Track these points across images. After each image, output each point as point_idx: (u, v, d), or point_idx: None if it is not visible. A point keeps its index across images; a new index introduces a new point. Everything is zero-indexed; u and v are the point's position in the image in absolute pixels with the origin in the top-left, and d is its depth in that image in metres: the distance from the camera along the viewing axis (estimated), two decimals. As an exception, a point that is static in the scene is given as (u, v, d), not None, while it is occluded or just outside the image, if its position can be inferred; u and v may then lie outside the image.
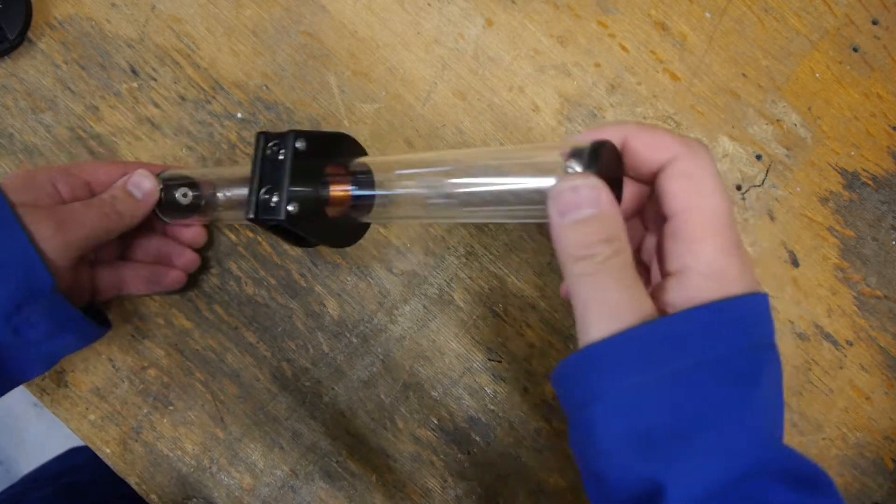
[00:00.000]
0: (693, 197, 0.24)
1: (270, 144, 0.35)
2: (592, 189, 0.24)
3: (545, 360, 0.47)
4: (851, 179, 0.49)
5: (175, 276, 0.44)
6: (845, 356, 0.48)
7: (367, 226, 0.42)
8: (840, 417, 0.48)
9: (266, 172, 0.35)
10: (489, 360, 0.47)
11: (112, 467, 0.46)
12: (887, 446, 0.48)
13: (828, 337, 0.48)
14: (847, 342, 0.48)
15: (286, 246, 0.47)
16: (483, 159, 0.30)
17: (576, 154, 0.25)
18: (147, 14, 0.47)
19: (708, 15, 0.49)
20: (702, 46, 0.49)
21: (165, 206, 0.41)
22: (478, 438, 0.47)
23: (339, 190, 0.36)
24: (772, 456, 0.24)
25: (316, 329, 0.47)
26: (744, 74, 0.49)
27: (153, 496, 0.46)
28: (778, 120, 0.49)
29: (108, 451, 0.46)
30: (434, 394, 0.47)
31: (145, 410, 0.46)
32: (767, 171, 0.49)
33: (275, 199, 0.34)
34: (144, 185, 0.40)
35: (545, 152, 0.27)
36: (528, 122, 0.48)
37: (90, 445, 0.46)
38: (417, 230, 0.47)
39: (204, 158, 0.47)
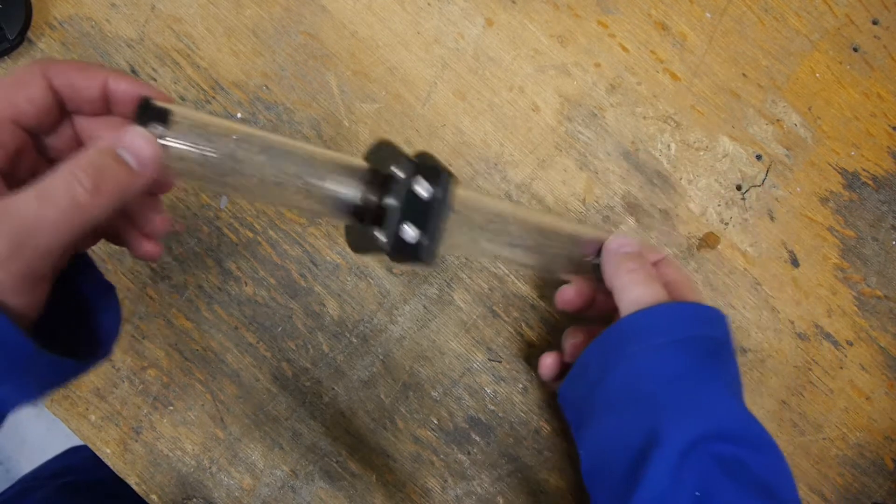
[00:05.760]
0: (681, 274, 0.41)
1: (422, 177, 0.34)
2: (636, 239, 0.40)
3: (545, 360, 0.47)
4: (851, 179, 0.49)
5: (148, 251, 0.33)
6: (845, 356, 0.48)
7: None
8: (840, 417, 0.48)
9: (412, 206, 0.33)
10: (489, 360, 0.47)
11: (112, 467, 0.46)
12: (887, 446, 0.48)
13: (828, 337, 0.48)
14: (847, 342, 0.48)
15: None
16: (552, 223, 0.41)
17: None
18: (147, 14, 0.47)
19: (708, 15, 0.49)
20: (702, 46, 0.49)
21: None
22: (478, 438, 0.47)
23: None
24: (739, 417, 0.35)
25: (316, 329, 0.47)
26: (744, 74, 0.49)
27: (153, 496, 0.46)
28: (778, 120, 0.49)
29: (108, 451, 0.46)
30: (434, 394, 0.47)
31: (145, 410, 0.46)
32: (767, 171, 0.49)
33: (412, 232, 0.33)
34: (144, 151, 0.28)
35: (584, 232, 0.41)
36: (528, 122, 0.48)
37: (90, 445, 0.46)
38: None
39: (204, 158, 0.47)
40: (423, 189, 0.34)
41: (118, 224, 0.32)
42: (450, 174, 0.35)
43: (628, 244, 0.40)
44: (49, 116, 0.30)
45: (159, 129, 0.30)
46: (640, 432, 0.34)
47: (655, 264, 0.41)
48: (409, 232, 0.33)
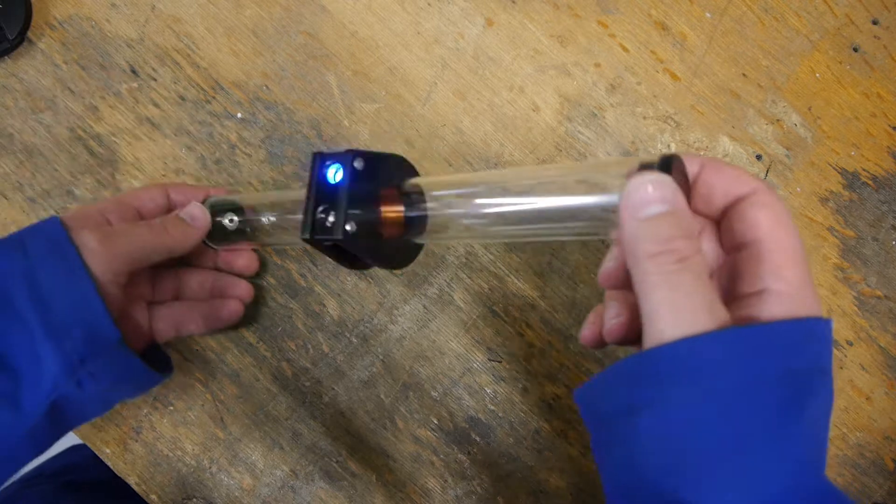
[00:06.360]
0: (777, 227, 0.25)
1: (327, 163, 0.35)
2: (666, 186, 0.24)
3: (545, 360, 0.47)
4: (851, 179, 0.49)
5: (232, 308, 0.43)
6: (845, 356, 0.48)
7: (420, 246, 0.42)
8: (840, 417, 0.48)
9: (322, 192, 0.35)
10: (489, 360, 0.47)
11: (112, 467, 0.46)
12: (887, 446, 0.48)
13: (828, 337, 0.48)
14: (847, 342, 0.48)
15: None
16: (538, 177, 0.32)
17: (646, 165, 0.25)
18: (147, 14, 0.47)
19: (708, 15, 0.49)
20: (702, 46, 0.49)
21: (213, 233, 0.42)
22: (478, 438, 0.47)
23: (391, 211, 0.36)
24: (804, 490, 0.24)
25: (316, 329, 0.47)
26: (744, 74, 0.49)
27: (153, 496, 0.46)
28: (778, 120, 0.49)
29: (108, 451, 0.46)
30: (434, 394, 0.47)
31: (145, 410, 0.46)
32: (767, 171, 0.49)
33: (331, 218, 0.34)
34: (195, 213, 0.40)
35: (607, 168, 0.28)
36: (528, 122, 0.48)
37: (90, 445, 0.46)
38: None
39: (203, 158, 0.47)
40: (336, 174, 0.35)
41: (214, 308, 0.43)
42: (353, 152, 0.35)
43: (655, 199, 0.24)
44: (161, 211, 0.42)
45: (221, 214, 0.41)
46: (667, 496, 0.24)
47: (730, 210, 0.26)
48: (330, 217, 0.34)
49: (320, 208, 0.34)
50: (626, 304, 0.30)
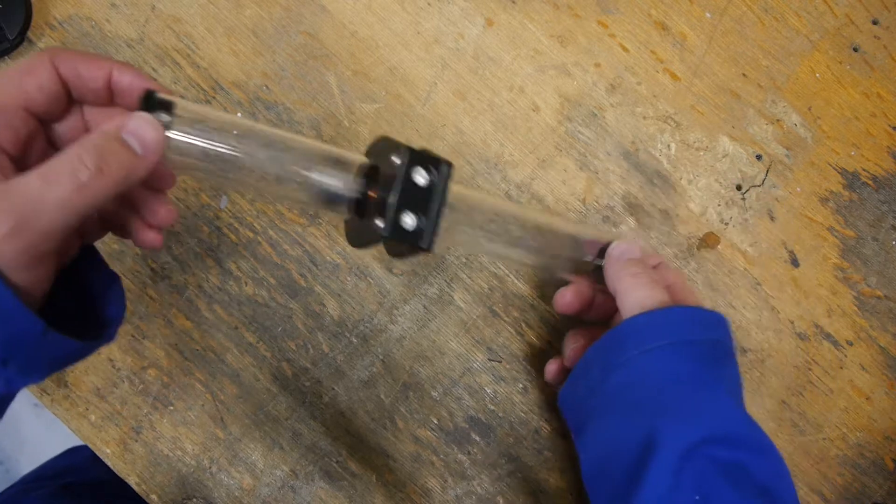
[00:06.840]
0: (677, 276, 0.42)
1: (422, 167, 0.34)
2: (639, 245, 0.41)
3: (545, 360, 0.47)
4: (851, 179, 0.49)
5: (151, 239, 0.33)
6: (845, 356, 0.48)
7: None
8: (840, 417, 0.48)
9: (411, 195, 0.33)
10: (489, 360, 0.47)
11: (112, 467, 0.46)
12: (887, 446, 0.48)
13: (828, 337, 0.48)
14: (847, 342, 0.48)
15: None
16: (548, 223, 0.41)
17: (609, 241, 0.42)
18: (147, 14, 0.47)
19: (708, 15, 0.49)
20: (702, 46, 0.49)
21: None
22: (478, 438, 0.47)
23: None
24: (739, 422, 0.35)
25: (316, 329, 0.47)
26: (744, 74, 0.49)
27: (153, 496, 0.46)
28: (778, 120, 0.49)
29: (108, 451, 0.46)
30: (434, 394, 0.47)
31: (145, 410, 0.46)
32: (767, 171, 0.49)
33: (410, 220, 0.33)
34: (147, 135, 0.29)
35: (584, 232, 0.42)
36: (528, 122, 0.48)
37: (90, 445, 0.46)
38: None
39: (204, 158, 0.47)
40: (420, 177, 0.34)
41: (124, 215, 0.33)
42: (448, 163, 0.35)
43: (631, 250, 0.40)
44: (58, 104, 0.30)
45: (164, 118, 0.30)
46: (640, 436, 0.34)
47: (654, 268, 0.42)
48: (408, 220, 0.33)
49: (404, 210, 0.33)
50: (582, 336, 0.43)
